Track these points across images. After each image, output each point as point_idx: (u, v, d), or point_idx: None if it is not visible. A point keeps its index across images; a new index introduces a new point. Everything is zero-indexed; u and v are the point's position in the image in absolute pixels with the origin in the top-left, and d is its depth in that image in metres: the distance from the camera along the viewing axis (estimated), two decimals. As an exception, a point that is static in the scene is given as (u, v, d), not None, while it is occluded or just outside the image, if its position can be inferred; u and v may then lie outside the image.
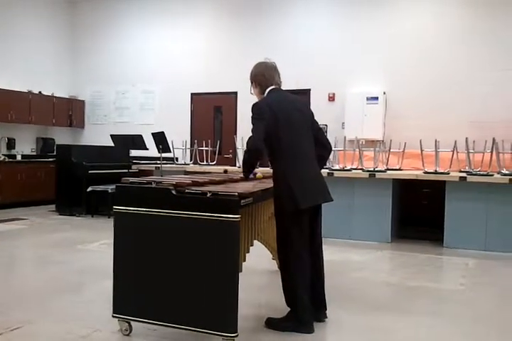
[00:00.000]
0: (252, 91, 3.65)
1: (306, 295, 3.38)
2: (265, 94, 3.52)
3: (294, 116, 3.45)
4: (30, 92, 10.31)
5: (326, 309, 3.60)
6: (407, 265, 5.54)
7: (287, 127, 3.37)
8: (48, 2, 11.07)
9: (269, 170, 6.36)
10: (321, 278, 3.60)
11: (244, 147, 7.55)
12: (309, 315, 3.39)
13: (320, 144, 3.63)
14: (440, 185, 6.44)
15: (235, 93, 10.02)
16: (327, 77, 8.79)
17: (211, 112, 10.40)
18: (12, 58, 10.17)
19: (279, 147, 3.37)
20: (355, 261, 5.48)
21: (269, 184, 3.84)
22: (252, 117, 3.34)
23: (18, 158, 10.14)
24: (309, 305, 3.39)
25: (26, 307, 3.83)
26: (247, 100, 9.86)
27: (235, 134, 8.96)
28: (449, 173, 6.42)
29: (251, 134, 3.28)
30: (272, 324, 3.44)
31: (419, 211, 7.36)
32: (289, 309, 3.47)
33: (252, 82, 3.63)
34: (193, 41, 10.39)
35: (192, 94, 10.46)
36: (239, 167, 6.70)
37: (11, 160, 9.77)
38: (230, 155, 9.57)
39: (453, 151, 6.49)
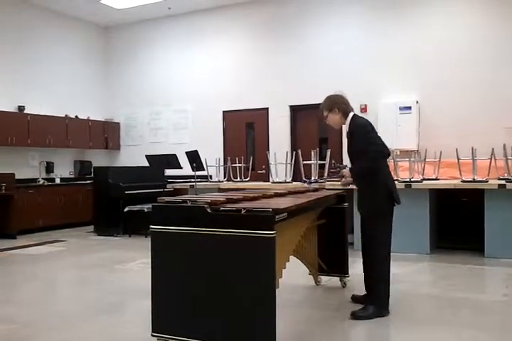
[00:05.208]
0: (329, 117, 4.22)
1: (388, 283, 4.04)
2: (349, 118, 4.14)
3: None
4: (66, 117, 10.57)
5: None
6: (448, 276, 5.43)
7: (381, 139, 4.10)
8: (82, 28, 11.40)
9: (303, 184, 6.35)
10: None
11: (277, 161, 7.59)
12: (388, 299, 4.03)
13: None
14: (479, 193, 6.31)
15: (267, 109, 10.08)
16: (358, 88, 8.69)
17: (243, 129, 10.46)
18: (48, 84, 10.46)
19: None
20: (394, 274, 5.33)
21: (303, 199, 3.85)
22: (365, 132, 4.02)
23: (57, 181, 10.36)
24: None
25: (67, 327, 3.88)
26: (278, 116, 10.00)
27: (268, 150, 8.98)
28: (487, 181, 6.29)
29: (369, 144, 3.94)
30: (358, 315, 3.91)
31: (457, 221, 7.21)
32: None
33: (330, 110, 4.18)
34: (223, 59, 10.52)
35: (224, 111, 10.56)
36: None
37: (50, 183, 10.00)
38: (264, 171, 9.58)
39: (490, 159, 6.37)
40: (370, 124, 4.11)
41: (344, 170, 4.20)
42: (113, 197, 8.76)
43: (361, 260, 4.19)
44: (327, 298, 4.64)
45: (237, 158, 8.37)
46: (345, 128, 4.25)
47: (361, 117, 4.23)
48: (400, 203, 4.09)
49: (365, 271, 4.21)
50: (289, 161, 7.68)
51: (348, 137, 4.25)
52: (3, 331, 3.78)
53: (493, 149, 6.34)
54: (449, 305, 4.34)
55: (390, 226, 4.08)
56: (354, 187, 4.40)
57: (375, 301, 3.97)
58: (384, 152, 4.04)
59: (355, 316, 3.91)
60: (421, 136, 8.57)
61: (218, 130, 10.62)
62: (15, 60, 9.87)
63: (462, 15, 8.50)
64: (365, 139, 4.00)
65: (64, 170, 10.82)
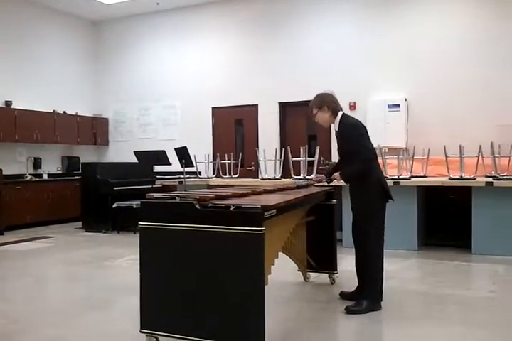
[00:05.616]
0: (318, 115, 4.22)
1: (382, 278, 4.12)
2: (338, 117, 4.17)
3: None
4: (54, 112, 10.49)
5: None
6: (435, 273, 5.47)
7: (370, 140, 4.15)
8: (71, 24, 11.31)
9: (291, 181, 6.38)
10: None
11: (266, 158, 7.60)
12: (381, 294, 4.10)
13: None
14: (466, 191, 6.35)
15: (256, 106, 10.07)
16: (347, 85, 8.69)
17: (232, 125, 10.45)
18: (36, 79, 10.38)
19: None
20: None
21: (292, 195, 3.85)
22: (358, 134, 4.07)
23: (45, 177, 10.30)
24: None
25: (57, 324, 3.87)
26: (267, 112, 9.99)
27: (257, 146, 8.98)
28: (474, 179, 6.34)
29: (361, 147, 4.02)
30: (352, 310, 3.96)
31: (445, 218, 7.26)
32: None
33: (319, 108, 4.19)
34: (212, 55, 10.49)
35: (213, 108, 10.53)
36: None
37: (37, 179, 9.93)
38: (253, 168, 9.58)
39: (478, 156, 6.41)
40: (362, 124, 4.16)
41: (335, 174, 4.19)
42: (101, 193, 8.71)
43: (350, 257, 4.23)
44: (316, 294, 4.65)
45: (226, 155, 8.38)
46: (334, 127, 4.27)
47: (350, 116, 4.26)
48: (394, 199, 4.16)
49: (357, 266, 4.23)
50: (278, 158, 7.68)
51: (337, 136, 4.27)
52: (-9, 327, 3.77)
53: (480, 147, 6.38)
54: (437, 301, 4.37)
55: (383, 223, 4.14)
56: (325, 183, 4.55)
57: (368, 295, 4.02)
58: (376, 153, 4.15)
59: (349, 311, 3.95)
60: (409, 134, 8.61)
61: (207, 126, 10.60)
62: (2, 55, 9.77)
63: (455, 13, 8.51)
64: (356, 141, 4.05)
65: (52, 166, 10.75)
